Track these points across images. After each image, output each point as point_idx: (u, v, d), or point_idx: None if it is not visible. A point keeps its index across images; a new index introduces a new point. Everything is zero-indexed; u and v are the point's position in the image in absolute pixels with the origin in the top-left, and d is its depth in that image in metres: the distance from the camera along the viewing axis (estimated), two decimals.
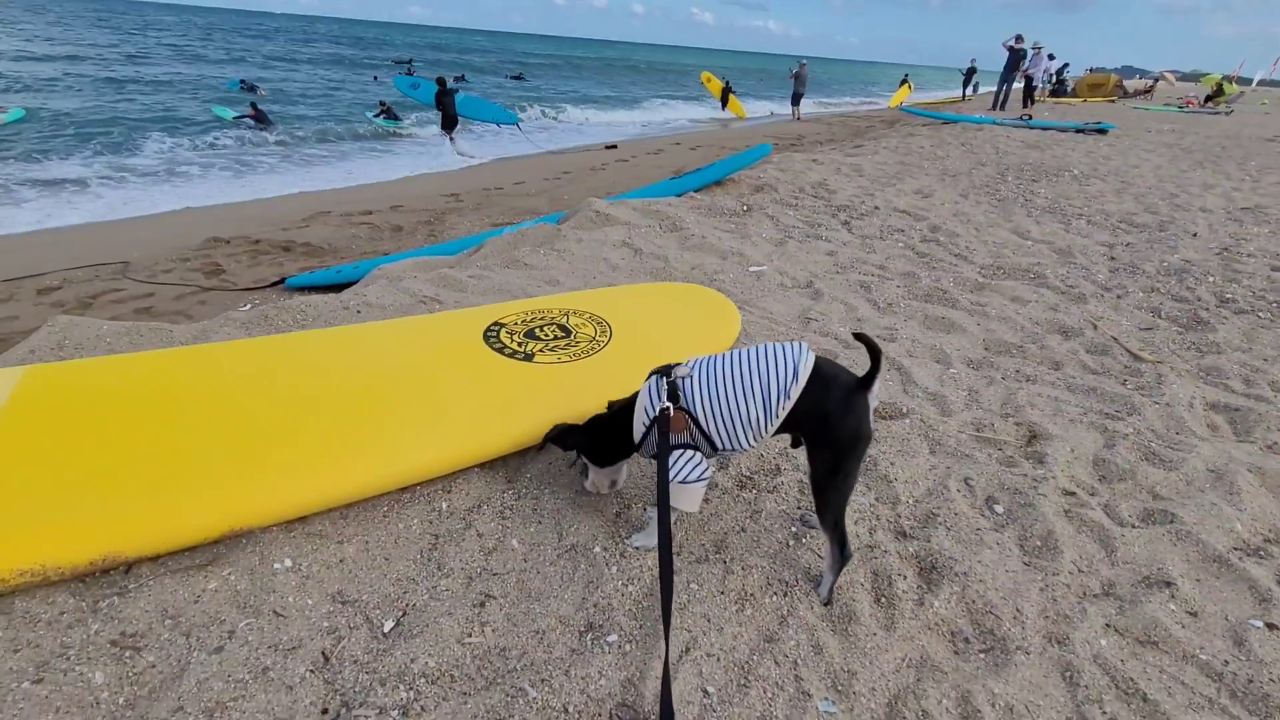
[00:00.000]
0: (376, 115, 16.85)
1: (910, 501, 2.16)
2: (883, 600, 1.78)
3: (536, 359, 2.29)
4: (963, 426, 2.63)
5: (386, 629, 1.55)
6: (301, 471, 1.79)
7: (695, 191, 6.01)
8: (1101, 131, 13.48)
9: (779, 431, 1.71)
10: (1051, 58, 22.81)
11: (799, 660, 1.57)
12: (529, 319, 2.57)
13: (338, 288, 4.15)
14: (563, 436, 1.88)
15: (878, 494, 2.18)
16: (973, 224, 5.73)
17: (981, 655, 1.65)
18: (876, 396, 1.66)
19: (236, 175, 11.06)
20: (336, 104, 19.76)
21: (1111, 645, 1.70)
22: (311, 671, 1.43)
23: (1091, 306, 3.98)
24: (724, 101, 24.94)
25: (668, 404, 1.66)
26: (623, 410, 1.81)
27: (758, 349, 1.70)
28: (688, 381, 1.70)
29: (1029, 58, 18.67)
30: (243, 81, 21.15)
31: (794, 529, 1.99)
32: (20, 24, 41.49)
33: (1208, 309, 4.04)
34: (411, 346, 2.38)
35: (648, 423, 1.72)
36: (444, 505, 1.93)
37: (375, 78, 30.64)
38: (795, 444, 1.83)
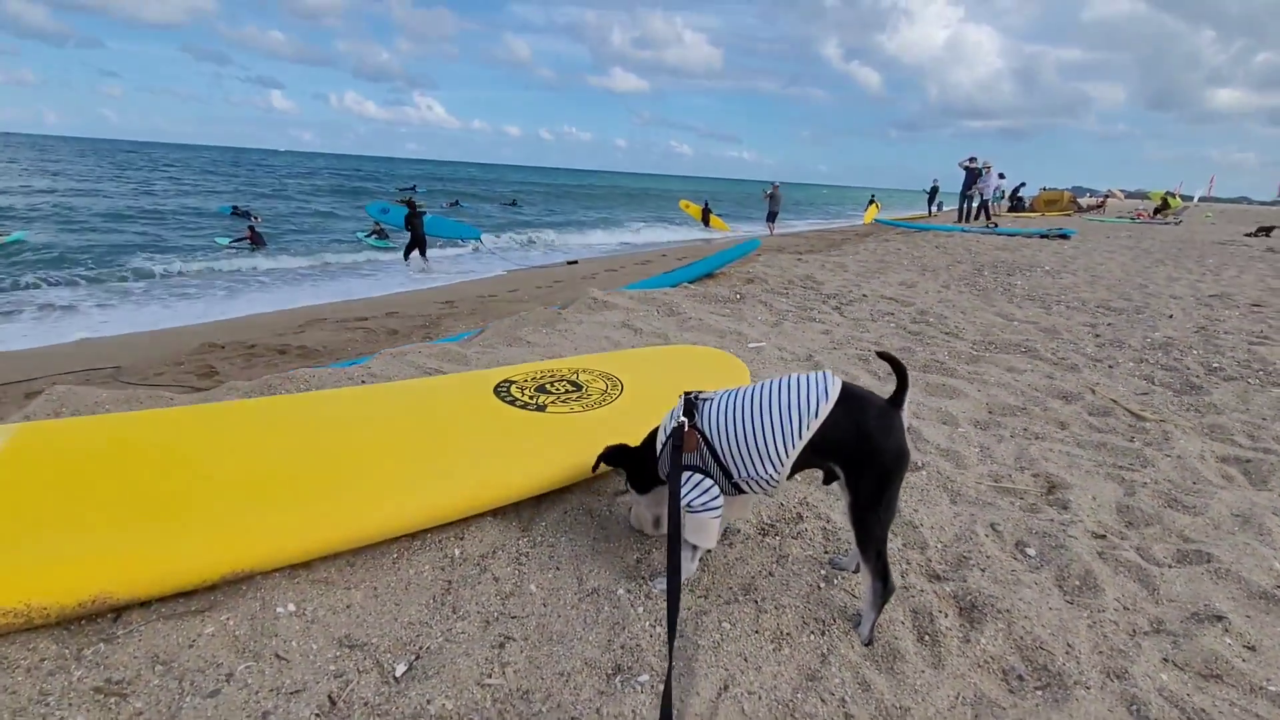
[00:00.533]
0: (368, 235, 17.42)
1: (939, 546, 2.09)
2: (926, 638, 1.67)
3: (549, 410, 2.26)
4: (980, 478, 2.58)
5: (399, 672, 1.42)
6: (306, 515, 1.70)
7: (689, 283, 6.19)
8: (1064, 237, 14.23)
9: (809, 465, 1.65)
10: (1002, 176, 24.43)
11: (846, 697, 1.45)
12: (539, 376, 2.55)
13: None
14: (612, 453, 1.87)
15: (904, 539, 2.10)
16: (958, 308, 5.91)
17: (1039, 691, 1.54)
18: (908, 416, 1.64)
19: (231, 294, 11.16)
20: (329, 230, 20.35)
21: (1173, 679, 1.59)
22: (317, 715, 1.29)
23: (1086, 374, 4.04)
24: (705, 221, 26.30)
25: (683, 420, 1.63)
26: (650, 435, 1.79)
27: (784, 377, 1.68)
28: (708, 404, 1.68)
29: (981, 176, 19.82)
30: (234, 207, 21.78)
31: (824, 571, 1.89)
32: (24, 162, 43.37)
33: (1198, 376, 4.11)
34: (422, 401, 2.34)
35: (665, 439, 1.69)
36: (456, 551, 1.82)
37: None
38: (828, 480, 1.76)
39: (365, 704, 1.33)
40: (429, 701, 1.33)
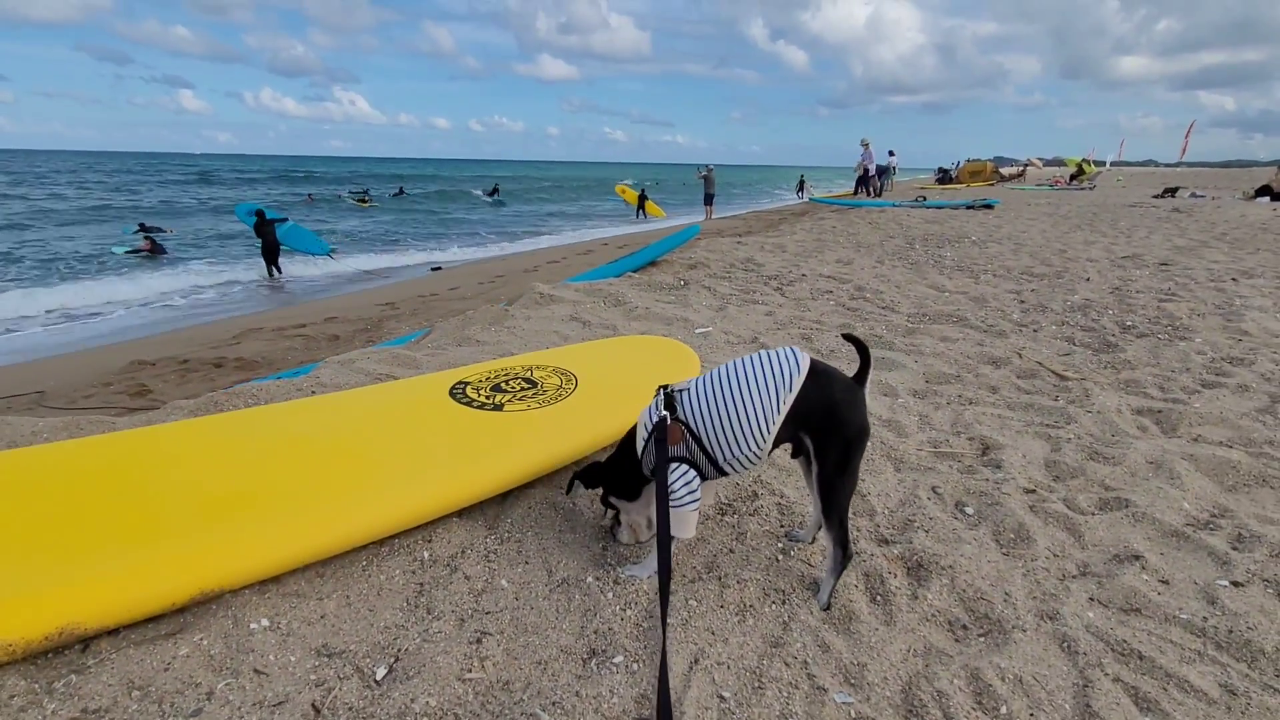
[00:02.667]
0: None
1: (885, 512, 2.22)
2: (878, 599, 1.79)
3: (506, 409, 2.30)
4: (921, 445, 2.74)
5: (379, 675, 1.45)
6: (271, 529, 1.70)
7: (633, 272, 6.25)
8: (989, 207, 14.86)
9: (783, 439, 1.72)
10: (891, 154, 26.58)
11: (808, 660, 1.55)
12: (493, 376, 2.58)
13: None
14: (587, 474, 1.90)
15: (855, 508, 2.22)
16: (893, 283, 6.14)
17: (981, 638, 1.67)
18: (869, 392, 1.76)
19: (136, 311, 10.54)
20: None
21: (1099, 616, 1.75)
22: None
23: (1013, 340, 4.29)
24: (640, 208, 26.43)
25: (665, 413, 1.69)
26: (631, 432, 1.83)
27: (752, 356, 1.75)
28: (685, 394, 1.74)
29: (861, 153, 21.38)
30: (141, 225, 18.98)
31: (781, 545, 2.00)
32: None
33: (1114, 335, 4.41)
34: (378, 407, 2.34)
35: (646, 436, 1.73)
36: (425, 554, 1.85)
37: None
38: (796, 453, 1.85)
39: (350, 708, 1.36)
40: (412, 700, 1.37)
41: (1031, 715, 1.43)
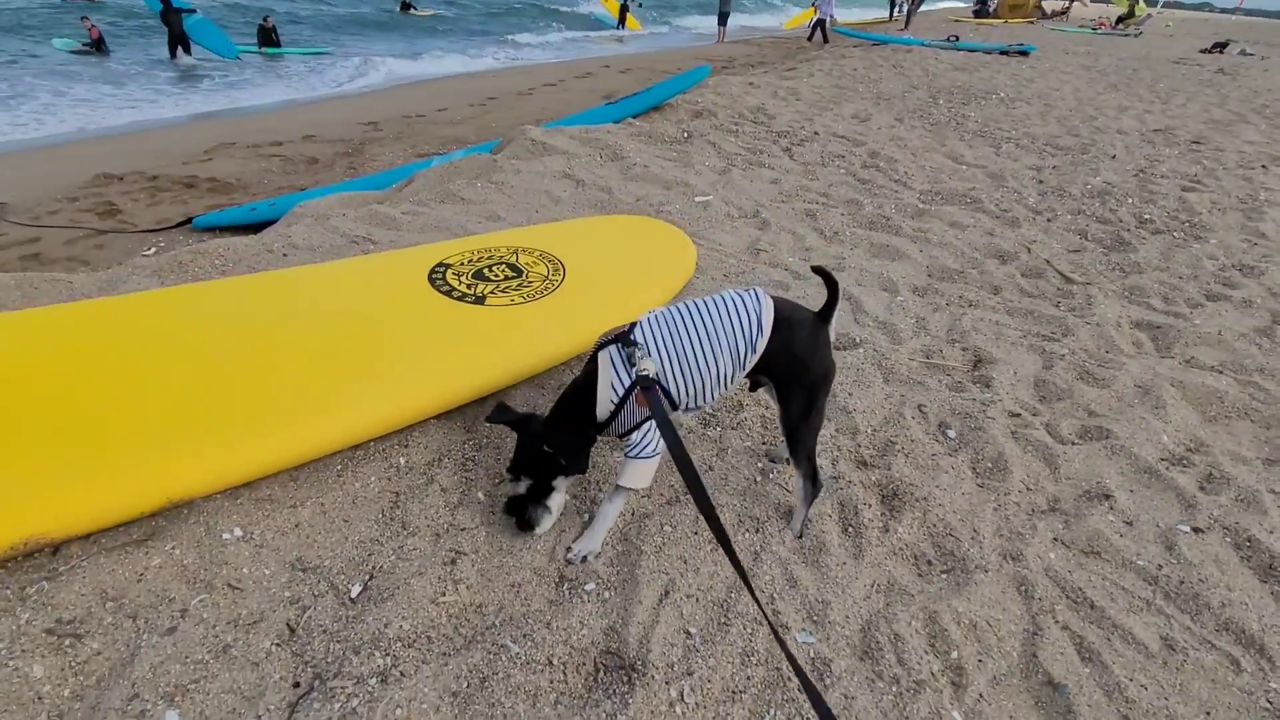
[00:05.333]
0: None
1: (869, 431, 2.21)
2: (850, 530, 1.82)
3: (488, 302, 2.18)
4: (913, 354, 2.68)
5: (354, 594, 1.48)
6: (243, 433, 1.65)
7: (634, 117, 5.79)
8: (1024, 53, 13.69)
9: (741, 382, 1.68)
10: None
11: (775, 594, 1.60)
12: (476, 258, 2.42)
13: (253, 228, 3.83)
14: (523, 429, 1.62)
15: (838, 425, 2.21)
16: (910, 149, 5.76)
17: (944, 576, 1.72)
18: (835, 329, 1.68)
19: (97, 106, 9.71)
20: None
21: (1060, 558, 1.80)
22: (277, 645, 1.35)
23: (1025, 230, 4.10)
24: (621, 20, 24.41)
25: (646, 371, 1.52)
26: (578, 391, 1.62)
27: (714, 303, 1.63)
28: (644, 341, 1.58)
29: None
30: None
31: (760, 464, 2.00)
32: None
33: (1129, 230, 4.22)
34: (351, 292, 2.21)
35: (618, 398, 1.56)
36: (402, 460, 1.83)
37: None
38: (754, 388, 1.80)
39: (324, 630, 1.40)
40: (386, 625, 1.40)
41: (980, 661, 1.51)
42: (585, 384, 1.61)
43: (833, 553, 1.73)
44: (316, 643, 1.37)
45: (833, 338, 1.67)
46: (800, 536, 1.76)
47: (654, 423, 1.57)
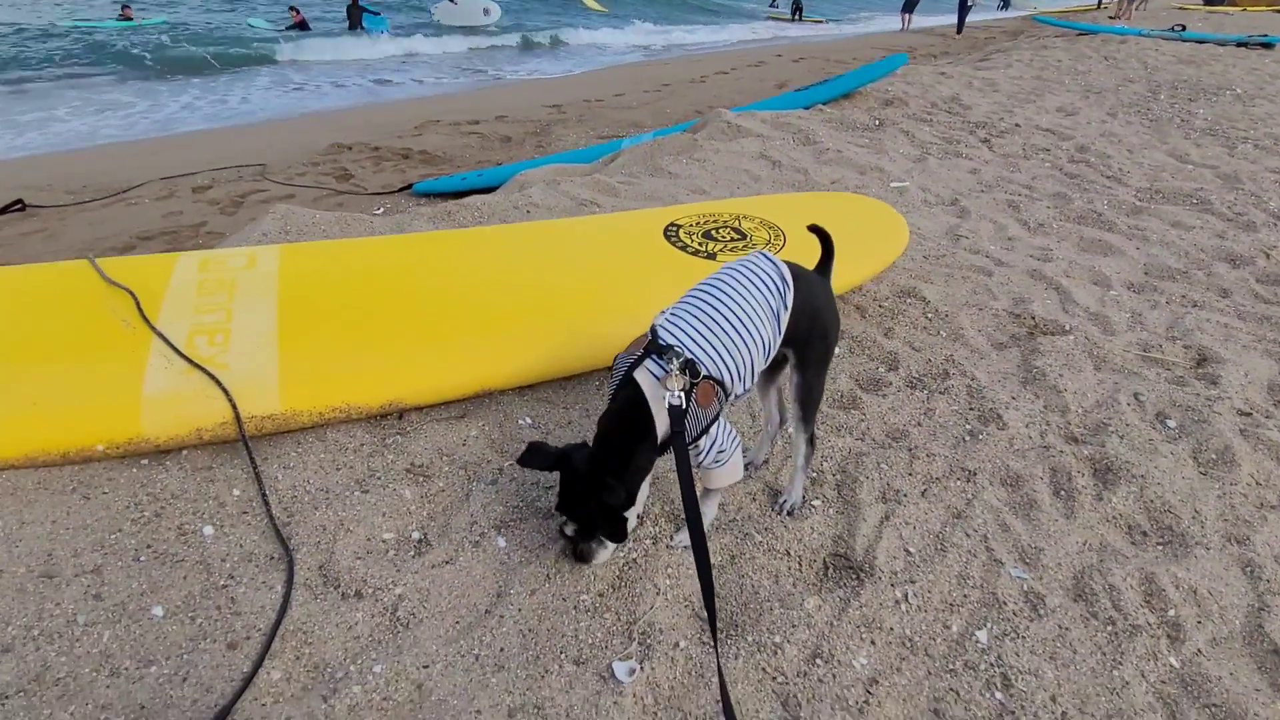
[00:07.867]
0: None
1: (1080, 411, 2.24)
2: (1061, 493, 1.90)
3: (719, 258, 2.44)
4: (1128, 346, 2.63)
5: None
6: (528, 346, 2.03)
7: (823, 104, 5.86)
8: (1268, 46, 12.02)
9: None
10: None
11: (988, 535, 1.73)
12: (703, 221, 2.70)
13: (462, 194, 4.36)
14: (574, 490, 1.45)
15: (1046, 402, 2.26)
16: (1124, 144, 5.39)
17: (1160, 547, 1.77)
18: None
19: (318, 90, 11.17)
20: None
21: None
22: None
23: (1263, 236, 3.77)
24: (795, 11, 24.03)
25: (704, 376, 1.41)
26: (624, 420, 1.45)
27: (725, 278, 1.54)
28: (677, 337, 1.45)
29: None
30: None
31: (969, 426, 2.11)
32: None
33: None
34: (600, 238, 2.57)
35: (681, 404, 1.39)
36: None
37: None
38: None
39: None
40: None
41: (1199, 623, 1.56)
42: (629, 410, 1.44)
43: (1044, 509, 1.82)
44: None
45: None
46: (801, 505, 1.74)
47: (722, 418, 1.48)
